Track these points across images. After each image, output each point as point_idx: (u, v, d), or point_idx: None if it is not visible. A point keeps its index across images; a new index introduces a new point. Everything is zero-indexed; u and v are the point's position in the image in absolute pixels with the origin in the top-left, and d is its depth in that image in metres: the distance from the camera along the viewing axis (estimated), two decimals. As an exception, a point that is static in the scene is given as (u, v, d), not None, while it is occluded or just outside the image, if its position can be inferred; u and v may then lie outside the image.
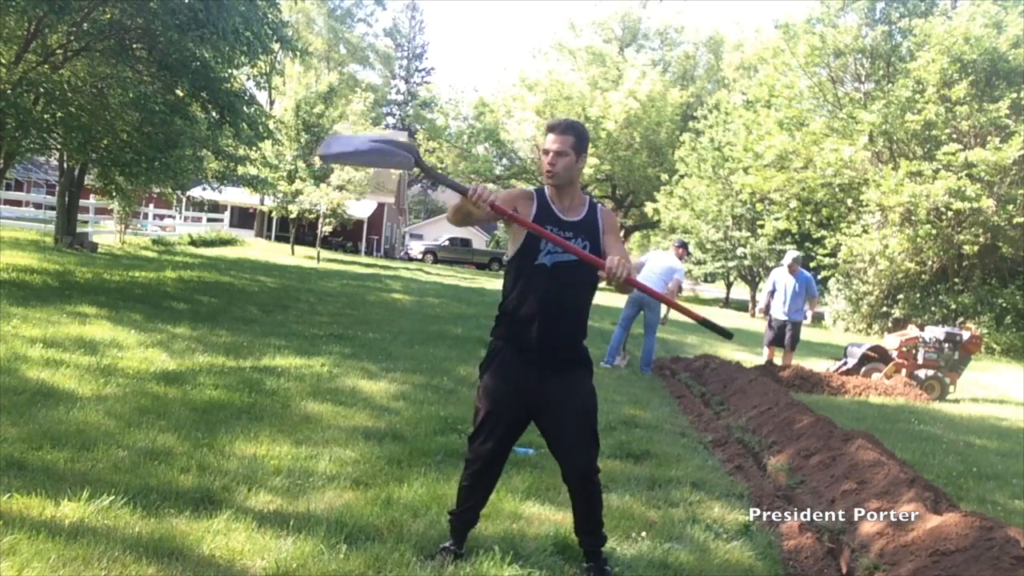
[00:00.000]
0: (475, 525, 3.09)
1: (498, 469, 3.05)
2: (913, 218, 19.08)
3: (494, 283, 23.88)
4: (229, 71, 11.54)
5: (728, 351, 11.37)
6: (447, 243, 40.05)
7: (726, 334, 2.80)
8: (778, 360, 9.87)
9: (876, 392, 8.87)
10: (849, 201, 21.36)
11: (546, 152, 2.90)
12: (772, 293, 9.91)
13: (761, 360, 10.15)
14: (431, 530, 3.24)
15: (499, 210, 2.72)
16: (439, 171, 3.03)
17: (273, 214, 27.94)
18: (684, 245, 9.52)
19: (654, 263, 8.77)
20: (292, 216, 25.54)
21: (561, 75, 35.57)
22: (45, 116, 10.01)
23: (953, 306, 19.11)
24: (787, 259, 9.86)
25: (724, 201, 27.11)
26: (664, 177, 30.11)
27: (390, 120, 57.35)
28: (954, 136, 18.80)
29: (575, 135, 2.88)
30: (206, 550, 2.86)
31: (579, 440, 2.90)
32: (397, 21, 60.15)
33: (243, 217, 35.35)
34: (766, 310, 10.06)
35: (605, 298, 21.37)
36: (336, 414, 5.08)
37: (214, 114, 11.29)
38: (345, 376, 6.25)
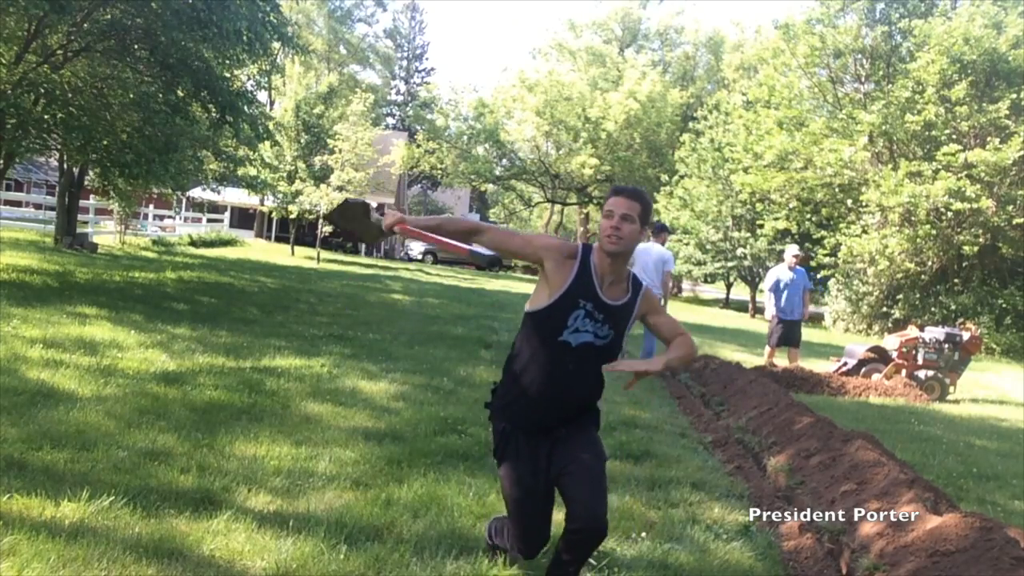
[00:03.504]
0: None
1: (549, 523, 2.82)
2: (913, 218, 19.09)
3: (494, 284, 23.86)
4: (230, 70, 11.51)
5: (728, 351, 11.36)
6: (447, 243, 39.96)
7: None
8: (782, 361, 9.84)
9: (876, 393, 8.87)
10: (849, 201, 21.36)
11: (609, 215, 2.59)
12: (776, 292, 9.80)
13: (761, 360, 10.13)
14: (431, 530, 3.24)
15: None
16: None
17: (273, 215, 27.91)
18: (664, 228, 9.52)
19: (645, 258, 8.69)
20: (292, 217, 25.52)
21: (561, 75, 35.59)
22: (45, 116, 9.99)
23: (953, 307, 19.10)
24: (788, 255, 9.80)
25: (724, 201, 27.11)
26: (664, 178, 30.13)
27: (390, 120, 57.29)
28: (954, 136, 18.80)
29: (643, 204, 2.62)
30: (206, 550, 2.86)
31: (597, 489, 2.66)
32: (397, 22, 59.99)
33: (243, 218, 35.34)
34: (778, 314, 9.77)
35: (605, 298, 21.33)
36: (336, 415, 5.07)
37: (214, 114, 11.27)
38: (345, 377, 6.24)
